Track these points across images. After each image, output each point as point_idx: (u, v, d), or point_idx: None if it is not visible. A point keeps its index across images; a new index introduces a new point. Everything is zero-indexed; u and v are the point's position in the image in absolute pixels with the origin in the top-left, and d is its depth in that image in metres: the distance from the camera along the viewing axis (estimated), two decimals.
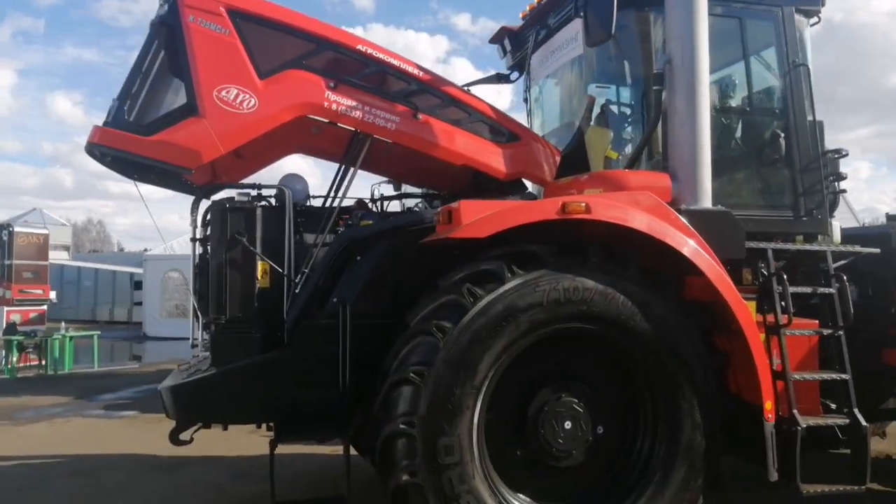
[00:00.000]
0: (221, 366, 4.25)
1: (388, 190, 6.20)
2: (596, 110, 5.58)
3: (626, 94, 5.59)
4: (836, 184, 5.21)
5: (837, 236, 5.20)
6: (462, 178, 5.54)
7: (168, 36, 4.32)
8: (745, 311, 4.10)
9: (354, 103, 4.52)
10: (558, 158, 5.10)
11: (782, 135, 4.96)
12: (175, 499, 5.79)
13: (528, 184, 5.39)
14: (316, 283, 4.39)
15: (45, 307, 17.66)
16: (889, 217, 5.85)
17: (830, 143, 5.13)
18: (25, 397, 10.78)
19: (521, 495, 3.98)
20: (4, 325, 14.90)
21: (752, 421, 4.13)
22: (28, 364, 13.81)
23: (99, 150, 4.28)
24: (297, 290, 4.42)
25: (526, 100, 6.16)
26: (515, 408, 4.02)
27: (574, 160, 5.15)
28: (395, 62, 4.72)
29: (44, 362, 13.57)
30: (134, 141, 4.19)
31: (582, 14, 4.51)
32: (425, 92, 4.77)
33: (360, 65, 4.63)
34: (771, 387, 4.09)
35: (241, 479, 6.21)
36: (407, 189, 6.86)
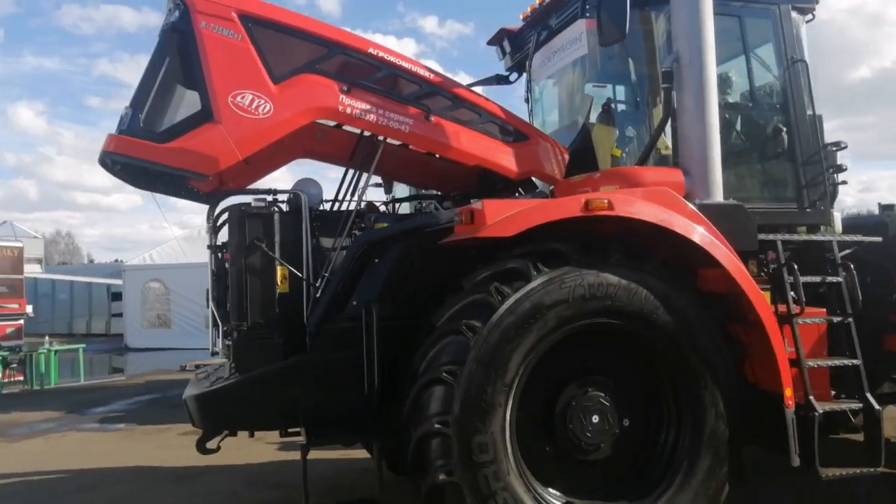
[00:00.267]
0: (245, 373, 4.24)
1: (379, 193, 6.23)
2: (597, 109, 5.68)
3: (627, 92, 5.68)
4: (836, 175, 5.34)
5: (839, 226, 5.34)
6: (468, 178, 5.59)
7: (180, 42, 4.30)
8: (763, 301, 4.19)
9: (368, 106, 4.54)
10: (567, 157, 5.15)
11: (784, 129, 5.08)
12: None
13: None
14: (336, 286, 4.39)
15: (21, 322, 17.35)
16: (883, 207, 6.01)
17: None
18: (15, 413, 10.58)
19: (552, 490, 4.02)
20: None
21: (771, 409, 4.22)
22: (11, 380, 13.54)
23: (113, 158, 4.24)
24: (317, 295, 4.41)
25: (527, 100, 6.21)
26: (543, 404, 4.06)
27: (579, 158, 5.23)
28: (406, 65, 4.75)
29: (22, 378, 13.31)
30: (150, 149, 4.16)
31: (595, 14, 4.54)
32: (436, 94, 4.81)
33: (372, 68, 4.65)
34: (790, 375, 4.18)
35: (255, 487, 6.18)
36: (397, 191, 6.94)
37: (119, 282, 27.42)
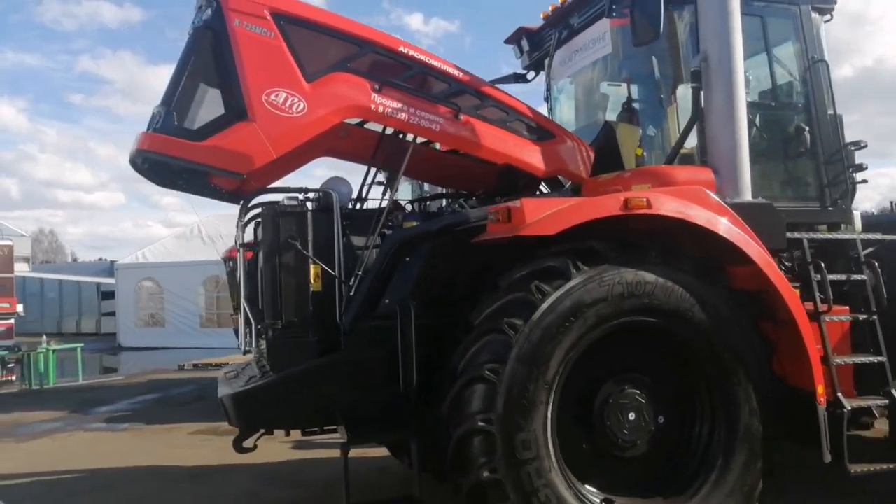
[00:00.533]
0: (280, 371, 4.23)
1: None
2: (616, 108, 5.72)
3: (648, 90, 5.70)
4: (855, 174, 5.41)
5: (858, 225, 5.41)
6: (488, 177, 5.60)
7: (213, 40, 4.27)
8: (796, 299, 4.24)
9: (400, 105, 4.54)
10: (592, 155, 5.18)
11: (807, 128, 5.13)
12: None
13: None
14: (370, 285, 4.40)
15: (12, 321, 17.17)
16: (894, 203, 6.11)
17: None
18: (17, 413, 10.48)
19: (590, 487, 4.04)
20: None
21: (802, 405, 4.27)
22: (7, 379, 13.41)
23: (147, 156, 4.21)
24: (351, 293, 4.41)
25: (547, 98, 6.23)
26: (580, 401, 4.08)
27: (603, 157, 5.26)
28: (436, 63, 4.75)
29: (13, 378, 13.16)
30: (186, 147, 4.14)
31: (620, 14, 4.58)
32: (464, 92, 4.81)
33: (402, 67, 4.65)
34: (822, 372, 4.24)
35: (274, 485, 6.17)
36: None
37: (109, 280, 27.27)
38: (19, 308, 17.74)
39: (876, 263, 4.84)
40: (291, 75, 4.29)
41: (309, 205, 4.66)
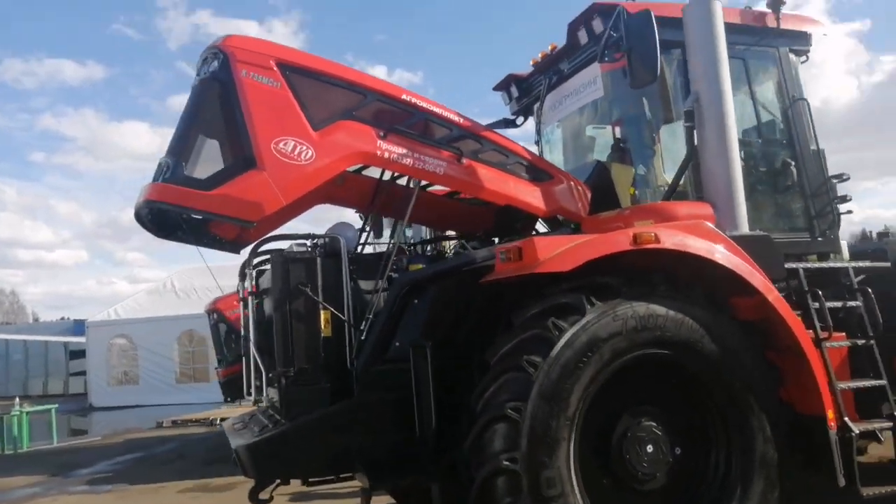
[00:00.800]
0: (294, 419, 4.18)
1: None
2: (603, 149, 5.89)
3: (637, 131, 5.87)
4: (839, 206, 5.61)
5: (846, 253, 5.60)
6: (484, 219, 5.71)
7: (221, 91, 4.33)
8: (801, 327, 4.36)
9: (405, 151, 4.62)
10: (589, 194, 5.30)
11: (792, 163, 5.35)
12: None
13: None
14: (381, 328, 4.40)
15: None
16: (880, 234, 6.34)
17: None
18: None
19: None
20: None
21: (811, 431, 4.35)
22: None
23: (156, 206, 4.21)
24: (362, 338, 4.41)
25: (537, 142, 6.39)
26: (598, 436, 4.10)
27: (598, 196, 5.38)
28: (437, 110, 4.87)
29: None
30: (196, 196, 4.16)
31: (612, 59, 4.76)
32: (466, 137, 4.92)
33: (406, 114, 4.75)
34: (831, 397, 4.33)
35: None
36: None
37: (78, 339, 26.62)
38: None
39: (869, 290, 4.99)
40: (299, 124, 4.36)
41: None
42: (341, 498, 6.79)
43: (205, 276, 23.95)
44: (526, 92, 6.43)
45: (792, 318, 4.32)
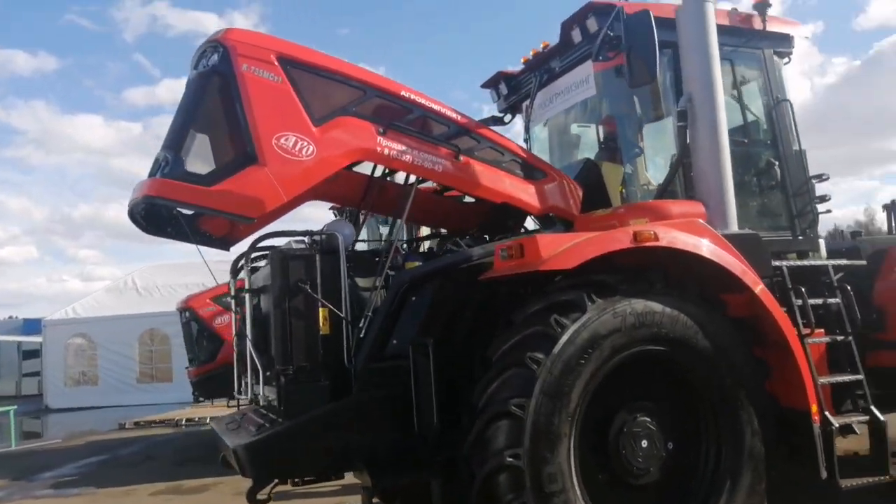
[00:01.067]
0: (293, 417, 4.15)
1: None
2: (590, 148, 5.97)
3: (626, 130, 5.97)
4: (818, 205, 5.79)
5: (824, 252, 5.78)
6: (475, 217, 5.74)
7: (221, 85, 4.27)
8: (788, 323, 4.50)
9: (404, 147, 4.62)
10: (581, 193, 5.37)
11: (776, 163, 5.50)
12: None
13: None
14: (380, 326, 4.40)
15: None
16: (853, 233, 6.56)
17: None
18: None
19: None
20: None
21: (798, 424, 4.49)
22: None
23: (154, 202, 4.14)
24: (361, 335, 4.39)
25: (526, 140, 6.44)
26: (596, 432, 4.16)
27: (589, 194, 5.46)
28: (435, 107, 4.88)
29: None
30: (196, 192, 4.09)
31: (626, 58, 4.80)
32: (463, 134, 4.94)
33: (404, 110, 4.75)
34: (814, 392, 4.48)
35: None
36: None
37: (32, 339, 25.84)
38: None
39: (848, 287, 5.17)
40: (300, 119, 4.32)
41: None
42: (322, 497, 6.77)
43: (168, 274, 23.50)
44: (514, 90, 6.47)
45: (780, 314, 4.45)
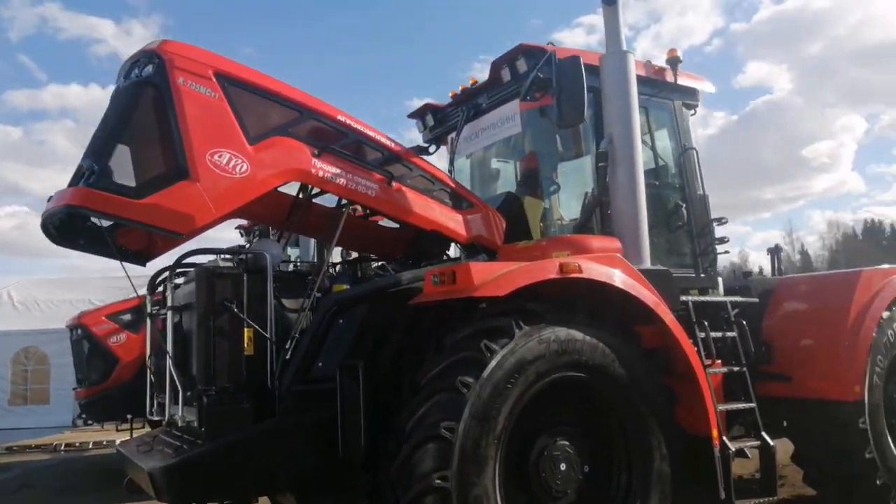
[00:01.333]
0: (216, 439, 4.04)
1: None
2: (506, 183, 6.22)
3: (547, 167, 6.26)
4: (717, 246, 6.27)
5: (721, 289, 6.25)
6: (399, 243, 5.83)
7: (155, 97, 4.16)
8: (695, 355, 4.82)
9: (338, 171, 4.66)
10: (504, 224, 5.57)
11: (683, 205, 5.92)
12: None
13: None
14: (307, 348, 4.38)
15: None
16: (745, 273, 7.11)
17: None
18: None
19: None
20: None
21: (700, 449, 4.80)
22: None
23: (76, 212, 3.96)
24: (287, 357, 4.35)
25: (450, 171, 6.60)
26: (517, 454, 4.29)
27: (511, 226, 5.67)
28: (371, 133, 4.95)
29: None
30: (123, 204, 3.94)
31: (534, 98, 5.08)
32: (396, 161, 5.03)
33: (340, 134, 4.79)
34: (715, 419, 4.81)
35: None
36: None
37: None
38: None
39: (744, 322, 5.61)
40: (235, 137, 4.28)
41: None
42: None
43: (49, 289, 21.95)
44: (440, 122, 6.65)
45: (688, 346, 4.78)
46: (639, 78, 5.52)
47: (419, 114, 6.76)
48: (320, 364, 4.40)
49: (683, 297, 5.41)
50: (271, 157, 4.42)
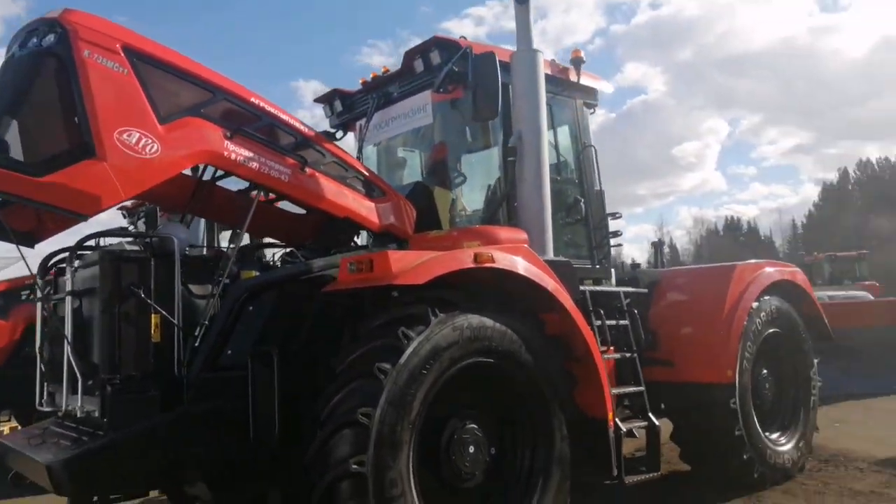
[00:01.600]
0: (120, 429, 3.89)
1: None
2: (411, 172, 6.32)
3: (455, 159, 6.40)
4: (611, 239, 6.65)
5: (614, 280, 6.64)
6: (305, 230, 5.78)
7: (56, 69, 3.91)
8: (594, 341, 5.12)
9: (251, 154, 4.56)
10: (414, 214, 5.65)
11: (582, 200, 6.24)
12: None
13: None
14: (217, 335, 4.29)
15: None
16: (633, 265, 7.58)
17: None
18: None
19: None
20: None
21: (596, 430, 5.12)
22: None
23: None
24: (196, 344, 4.25)
25: (358, 159, 6.58)
26: (428, 438, 4.40)
27: (420, 216, 5.77)
28: (284, 116, 4.87)
29: None
30: (23, 182, 3.69)
31: (472, 94, 5.18)
32: (309, 147, 4.98)
33: (253, 117, 4.69)
34: (610, 402, 5.14)
35: None
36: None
37: None
38: None
39: (635, 311, 6.01)
40: (145, 115, 4.10)
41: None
42: None
43: None
44: (349, 108, 6.62)
45: (588, 333, 5.07)
46: (545, 76, 5.76)
47: (327, 99, 6.69)
48: (229, 352, 4.33)
49: (581, 287, 5.71)
50: (183, 137, 4.27)
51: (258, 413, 4.15)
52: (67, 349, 4.12)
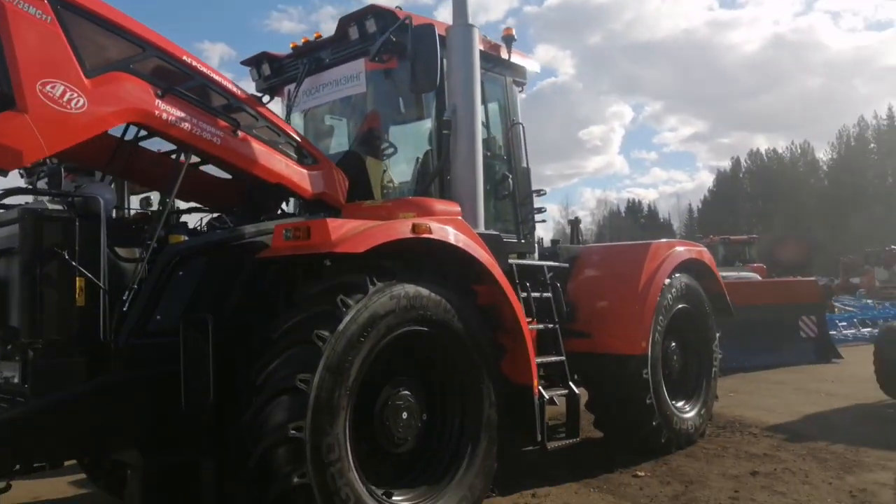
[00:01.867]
0: (43, 395, 3.72)
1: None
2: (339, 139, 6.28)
3: (387, 129, 6.37)
4: (536, 215, 6.84)
5: (537, 254, 6.85)
6: (229, 195, 5.65)
7: None
8: (522, 312, 5.28)
9: (183, 114, 4.40)
10: (347, 183, 5.61)
11: (510, 176, 6.37)
12: None
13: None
14: (146, 300, 4.16)
15: None
16: (553, 241, 7.81)
17: None
18: None
19: (372, 485, 4.42)
20: None
21: (522, 397, 5.31)
22: None
23: None
24: (124, 309, 4.10)
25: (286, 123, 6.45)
26: (364, 405, 4.45)
27: (353, 186, 5.74)
28: (217, 77, 4.73)
29: None
30: None
31: (411, 65, 5.16)
32: (242, 110, 4.85)
33: (185, 76, 4.52)
34: (535, 371, 5.33)
35: None
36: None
37: None
38: None
39: (558, 284, 6.23)
40: (70, 67, 3.88)
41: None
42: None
43: None
44: (277, 72, 6.46)
45: (517, 304, 5.23)
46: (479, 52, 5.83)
47: (254, 61, 6.50)
48: (159, 317, 4.21)
49: (509, 261, 5.86)
50: (111, 93, 4.08)
51: (191, 380, 4.06)
52: None
